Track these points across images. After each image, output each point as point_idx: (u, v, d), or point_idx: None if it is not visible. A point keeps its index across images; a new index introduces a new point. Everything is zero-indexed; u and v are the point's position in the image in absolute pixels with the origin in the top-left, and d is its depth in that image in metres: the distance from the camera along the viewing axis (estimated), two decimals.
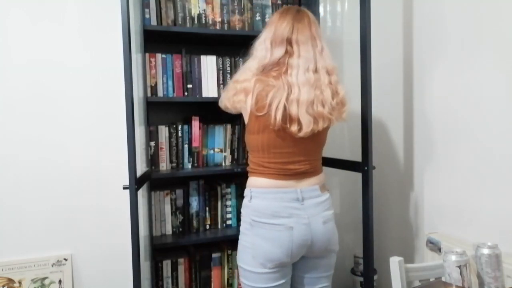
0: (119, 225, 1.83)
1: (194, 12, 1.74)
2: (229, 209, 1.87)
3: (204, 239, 1.75)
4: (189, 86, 1.73)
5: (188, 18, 1.73)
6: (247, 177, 1.33)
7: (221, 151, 1.82)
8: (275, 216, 1.21)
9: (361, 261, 1.92)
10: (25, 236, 1.74)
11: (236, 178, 1.88)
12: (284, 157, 1.24)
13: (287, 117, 1.18)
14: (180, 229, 1.80)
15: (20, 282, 1.73)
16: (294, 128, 1.18)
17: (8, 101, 1.70)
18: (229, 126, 1.83)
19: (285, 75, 1.20)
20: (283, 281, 1.25)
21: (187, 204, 1.81)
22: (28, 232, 1.75)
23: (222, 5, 1.77)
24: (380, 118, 2.01)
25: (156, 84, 1.69)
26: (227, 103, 1.30)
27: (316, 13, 1.91)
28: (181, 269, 1.79)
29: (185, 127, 1.77)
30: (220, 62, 1.77)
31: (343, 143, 2.10)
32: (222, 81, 1.77)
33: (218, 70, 1.77)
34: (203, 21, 1.75)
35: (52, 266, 1.77)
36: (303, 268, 1.30)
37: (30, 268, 1.74)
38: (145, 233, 1.69)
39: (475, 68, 1.44)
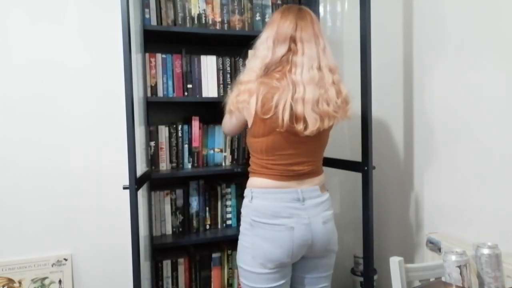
0: (119, 225, 1.83)
1: (194, 12, 1.74)
2: (229, 209, 1.87)
3: (204, 239, 1.75)
4: (189, 86, 1.73)
5: (188, 18, 1.73)
6: (247, 177, 1.33)
7: (221, 151, 1.82)
8: (275, 216, 1.21)
9: (361, 261, 1.92)
10: (25, 236, 1.74)
11: (236, 178, 1.88)
12: (287, 159, 1.24)
13: (294, 116, 1.18)
14: (180, 229, 1.80)
15: (20, 282, 1.73)
16: (300, 126, 1.18)
17: (8, 101, 1.70)
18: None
19: (289, 74, 1.20)
20: (283, 281, 1.25)
21: (187, 204, 1.81)
22: (28, 232, 1.75)
23: (222, 5, 1.77)
24: (380, 118, 2.01)
25: (156, 84, 1.69)
26: (231, 106, 1.28)
27: (316, 13, 1.91)
28: (181, 269, 1.79)
29: (185, 127, 1.77)
30: (220, 62, 1.77)
31: (343, 143, 2.10)
32: (222, 81, 1.77)
33: (218, 70, 1.77)
34: (203, 21, 1.75)
35: (52, 266, 1.77)
36: (303, 268, 1.31)
37: (30, 268, 1.74)
38: (145, 233, 1.69)
39: (475, 68, 1.44)
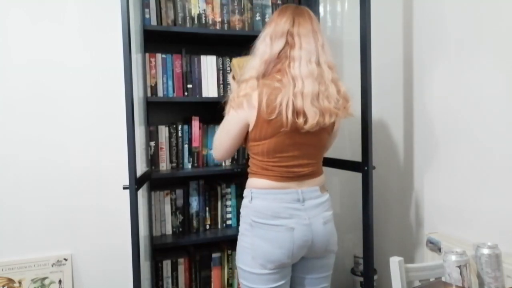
0: (119, 225, 1.83)
1: (194, 12, 1.74)
2: (229, 209, 1.87)
3: (204, 239, 1.75)
4: (189, 86, 1.73)
5: (188, 18, 1.73)
6: (247, 177, 1.33)
7: None
8: (275, 217, 1.20)
9: (361, 261, 1.92)
10: (25, 236, 1.74)
11: (236, 178, 1.88)
12: (289, 161, 1.24)
13: (295, 111, 1.17)
14: (180, 229, 1.80)
15: (20, 282, 1.73)
16: (300, 120, 1.17)
17: (8, 101, 1.70)
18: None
19: (289, 69, 1.19)
20: (283, 282, 1.24)
21: (187, 204, 1.81)
22: (28, 232, 1.75)
23: (222, 5, 1.77)
24: (380, 118, 2.01)
25: (156, 84, 1.69)
26: (232, 103, 1.23)
27: (316, 13, 1.91)
28: (181, 269, 1.79)
29: (185, 127, 1.77)
30: (220, 62, 1.77)
31: (343, 143, 2.10)
32: (222, 81, 1.77)
33: (218, 70, 1.77)
34: (203, 21, 1.75)
35: (52, 266, 1.77)
36: (302, 269, 1.30)
37: (30, 268, 1.74)
38: (145, 233, 1.69)
39: (475, 68, 1.44)
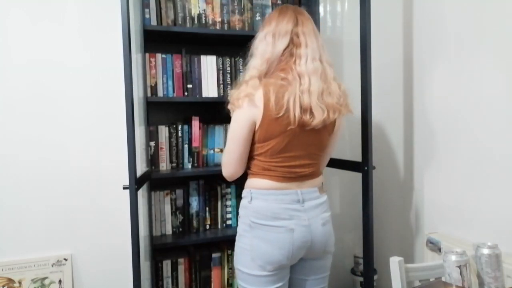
0: (119, 225, 1.83)
1: (194, 12, 1.74)
2: (229, 209, 1.87)
3: (204, 239, 1.75)
4: (189, 86, 1.73)
5: (188, 18, 1.73)
6: (246, 178, 1.32)
7: (221, 151, 1.82)
8: (275, 218, 1.20)
9: (361, 261, 1.92)
10: (25, 236, 1.74)
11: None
12: (291, 161, 1.23)
13: (302, 108, 1.17)
14: (180, 229, 1.80)
15: (20, 282, 1.73)
16: (307, 117, 1.18)
17: (8, 101, 1.70)
18: (229, 126, 1.82)
19: (295, 65, 1.20)
20: (281, 283, 1.23)
21: (187, 204, 1.81)
22: (28, 232, 1.75)
23: (222, 5, 1.77)
24: (380, 118, 2.01)
25: (156, 84, 1.69)
26: (234, 102, 1.21)
27: (316, 13, 1.91)
28: (181, 269, 1.79)
29: (185, 127, 1.77)
30: (220, 62, 1.77)
31: (343, 143, 2.10)
32: (222, 81, 1.78)
33: (218, 70, 1.77)
34: (203, 21, 1.75)
35: (52, 266, 1.77)
36: (301, 270, 1.30)
37: (30, 268, 1.74)
38: (145, 233, 1.69)
39: (475, 68, 1.44)
